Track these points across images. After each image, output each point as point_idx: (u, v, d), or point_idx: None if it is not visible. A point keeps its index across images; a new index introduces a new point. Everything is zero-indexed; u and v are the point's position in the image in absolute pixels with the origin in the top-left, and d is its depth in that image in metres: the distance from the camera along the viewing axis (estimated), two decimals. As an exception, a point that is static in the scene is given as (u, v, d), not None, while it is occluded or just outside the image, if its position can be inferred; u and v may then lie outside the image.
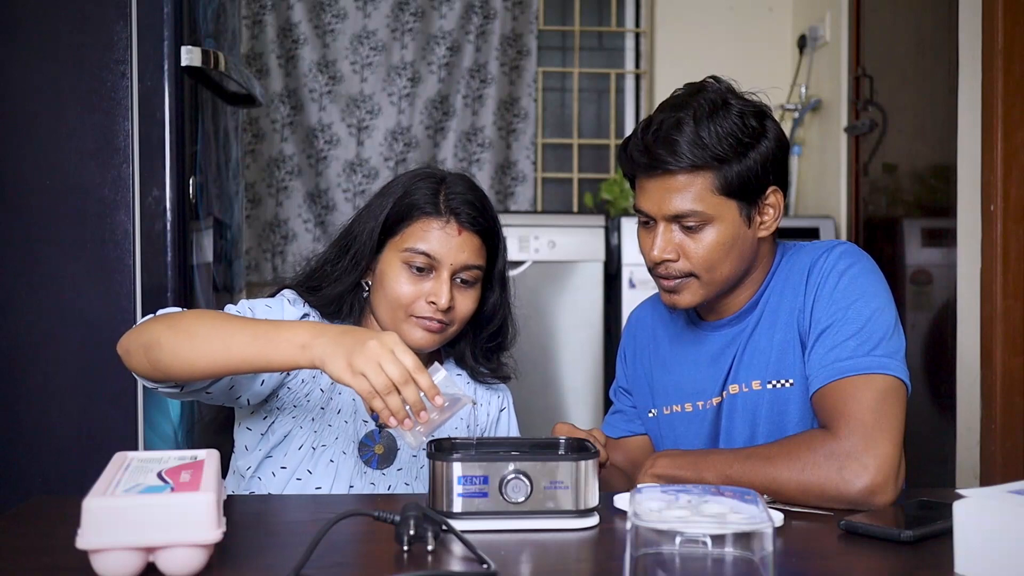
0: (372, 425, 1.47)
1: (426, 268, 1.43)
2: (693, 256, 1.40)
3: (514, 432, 1.61)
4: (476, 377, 1.58)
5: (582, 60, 4.00)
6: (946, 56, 2.64)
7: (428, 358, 1.51)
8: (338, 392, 1.46)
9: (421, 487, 1.49)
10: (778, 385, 1.43)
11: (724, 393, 1.48)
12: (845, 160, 3.32)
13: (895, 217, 3.03)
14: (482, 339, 1.54)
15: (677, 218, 1.39)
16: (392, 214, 1.45)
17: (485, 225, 1.46)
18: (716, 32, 3.80)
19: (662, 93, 3.89)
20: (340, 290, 1.47)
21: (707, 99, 1.39)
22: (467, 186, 1.48)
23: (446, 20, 3.78)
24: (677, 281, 1.42)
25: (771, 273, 1.48)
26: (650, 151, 1.38)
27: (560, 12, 3.98)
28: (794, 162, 3.66)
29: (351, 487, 1.44)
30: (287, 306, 1.46)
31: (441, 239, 1.43)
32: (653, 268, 1.45)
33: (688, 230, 1.40)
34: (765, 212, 1.43)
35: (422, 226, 1.43)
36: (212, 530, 0.97)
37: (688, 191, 1.38)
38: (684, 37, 3.84)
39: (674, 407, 1.54)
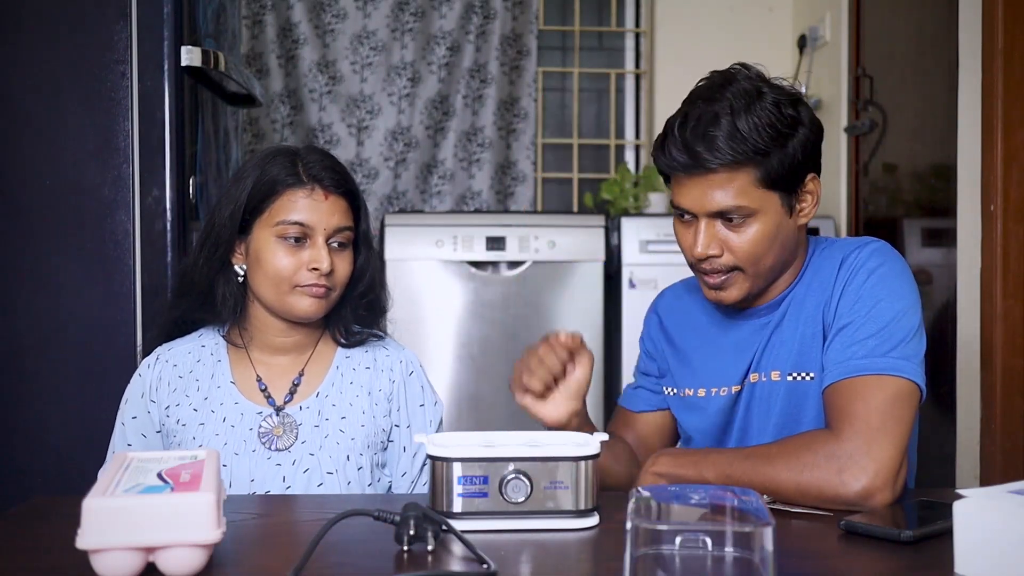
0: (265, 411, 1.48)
1: (301, 237, 1.45)
2: (738, 250, 1.39)
3: (428, 396, 1.58)
4: (352, 340, 1.56)
5: (582, 60, 4.00)
6: (946, 56, 2.64)
7: (314, 328, 1.54)
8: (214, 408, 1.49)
9: (326, 456, 1.46)
10: (798, 378, 1.42)
11: (744, 382, 1.47)
12: (845, 160, 3.32)
13: (895, 217, 3.03)
14: (354, 299, 1.55)
15: (720, 214, 1.38)
16: (254, 193, 1.46)
17: (347, 187, 1.50)
18: (716, 32, 3.80)
19: (662, 93, 3.91)
20: (208, 276, 1.50)
21: (740, 90, 1.36)
22: (322, 154, 1.51)
23: (446, 20, 3.78)
24: (723, 277, 1.41)
25: (804, 266, 1.47)
26: (689, 149, 1.35)
27: (560, 12, 3.98)
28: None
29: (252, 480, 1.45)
30: (135, 382, 1.53)
31: (310, 206, 1.45)
32: (696, 264, 1.43)
33: (731, 225, 1.38)
34: (804, 199, 1.42)
35: (288, 198, 1.45)
36: (212, 530, 0.97)
37: (730, 187, 1.36)
38: (684, 37, 3.85)
39: (686, 391, 1.54)
